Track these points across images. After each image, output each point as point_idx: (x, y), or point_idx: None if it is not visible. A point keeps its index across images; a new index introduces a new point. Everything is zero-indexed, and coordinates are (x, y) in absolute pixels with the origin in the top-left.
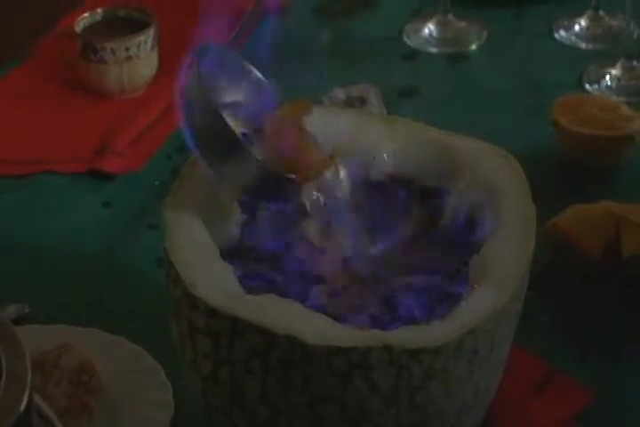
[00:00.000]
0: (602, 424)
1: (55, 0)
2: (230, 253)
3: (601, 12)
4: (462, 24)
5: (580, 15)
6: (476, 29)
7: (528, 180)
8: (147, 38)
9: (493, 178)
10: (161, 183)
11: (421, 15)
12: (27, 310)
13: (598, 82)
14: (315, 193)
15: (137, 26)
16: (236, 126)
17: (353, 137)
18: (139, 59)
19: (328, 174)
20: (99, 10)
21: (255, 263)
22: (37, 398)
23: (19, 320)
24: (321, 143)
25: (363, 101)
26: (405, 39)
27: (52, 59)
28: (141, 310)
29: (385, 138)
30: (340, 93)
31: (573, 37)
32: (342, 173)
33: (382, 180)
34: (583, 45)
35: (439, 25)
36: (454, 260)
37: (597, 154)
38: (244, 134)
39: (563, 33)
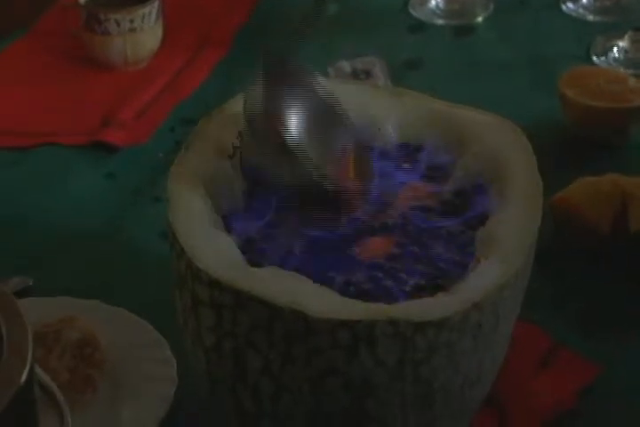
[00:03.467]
0: (605, 399)
1: None
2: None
3: None
4: None
5: None
6: (482, 1)
7: (534, 153)
8: (151, 10)
9: (500, 150)
10: (165, 155)
11: None
12: (30, 283)
13: (606, 54)
14: None
15: None
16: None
17: (358, 109)
18: (143, 31)
19: None
20: None
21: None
22: (39, 371)
23: (22, 293)
24: None
25: (368, 74)
26: (411, 11)
27: (55, 30)
28: (145, 283)
29: (390, 110)
30: (345, 66)
31: (580, 9)
32: None
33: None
34: (590, 17)
35: None
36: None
37: (604, 126)
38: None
39: (570, 5)
